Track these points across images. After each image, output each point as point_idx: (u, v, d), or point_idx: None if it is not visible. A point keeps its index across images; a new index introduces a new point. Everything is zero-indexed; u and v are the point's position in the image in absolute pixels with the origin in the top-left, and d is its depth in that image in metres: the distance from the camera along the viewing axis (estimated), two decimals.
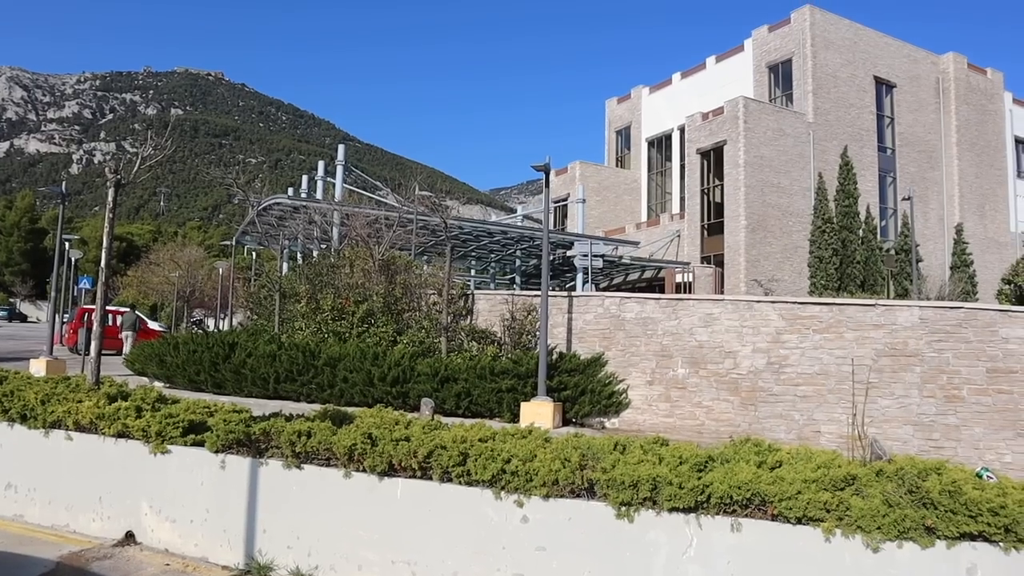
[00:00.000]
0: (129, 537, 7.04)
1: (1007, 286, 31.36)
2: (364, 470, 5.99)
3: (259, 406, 10.88)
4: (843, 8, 37.62)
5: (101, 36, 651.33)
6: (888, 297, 28.99)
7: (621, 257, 35.79)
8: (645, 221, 42.72)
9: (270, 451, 6.48)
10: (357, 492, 6.02)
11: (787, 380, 15.25)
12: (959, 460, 12.20)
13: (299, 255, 34.25)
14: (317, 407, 7.76)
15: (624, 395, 16.37)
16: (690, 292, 32.90)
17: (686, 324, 16.19)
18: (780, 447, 5.68)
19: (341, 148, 35.41)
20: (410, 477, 5.86)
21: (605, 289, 37.20)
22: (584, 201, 39.95)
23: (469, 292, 19.19)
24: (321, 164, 38.03)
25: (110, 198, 9.20)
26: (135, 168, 9.79)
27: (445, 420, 7.63)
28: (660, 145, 45.51)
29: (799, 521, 4.75)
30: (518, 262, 40.03)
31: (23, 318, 79.99)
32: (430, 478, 5.76)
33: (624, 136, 48.46)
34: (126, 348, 26.00)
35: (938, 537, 4.50)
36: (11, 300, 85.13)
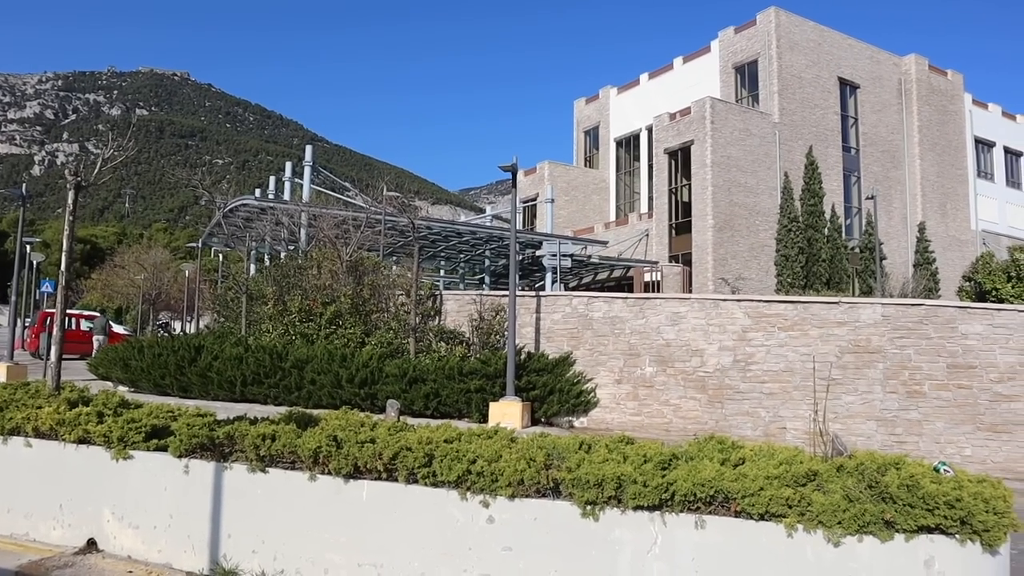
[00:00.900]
0: (91, 545, 6.94)
1: (967, 283, 31.99)
2: (329, 473, 5.95)
3: (225, 409, 10.77)
4: (808, 10, 38.13)
5: (63, 35, 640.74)
6: (853, 295, 29.40)
7: (590, 256, 35.93)
8: (614, 220, 42.92)
9: (234, 455, 6.42)
10: (323, 495, 5.98)
11: (753, 378, 15.42)
12: (921, 454, 12.42)
13: (266, 257, 33.96)
14: (284, 410, 7.70)
15: (592, 394, 16.44)
16: (658, 291, 33.11)
17: (653, 323, 16.30)
18: (743, 444, 5.74)
19: (309, 149, 35.16)
20: (376, 479, 5.83)
21: (574, 289, 37.30)
22: (553, 201, 40.02)
23: (438, 293, 19.17)
24: (289, 165, 37.70)
25: (70, 200, 9.05)
26: (97, 170, 9.65)
27: (414, 421, 7.61)
28: (628, 145, 45.75)
29: (762, 517, 4.79)
30: (487, 262, 40.02)
31: None
32: (396, 480, 5.74)
33: (593, 136, 48.64)
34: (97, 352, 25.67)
35: (897, 531, 4.57)
36: None
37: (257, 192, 42.26)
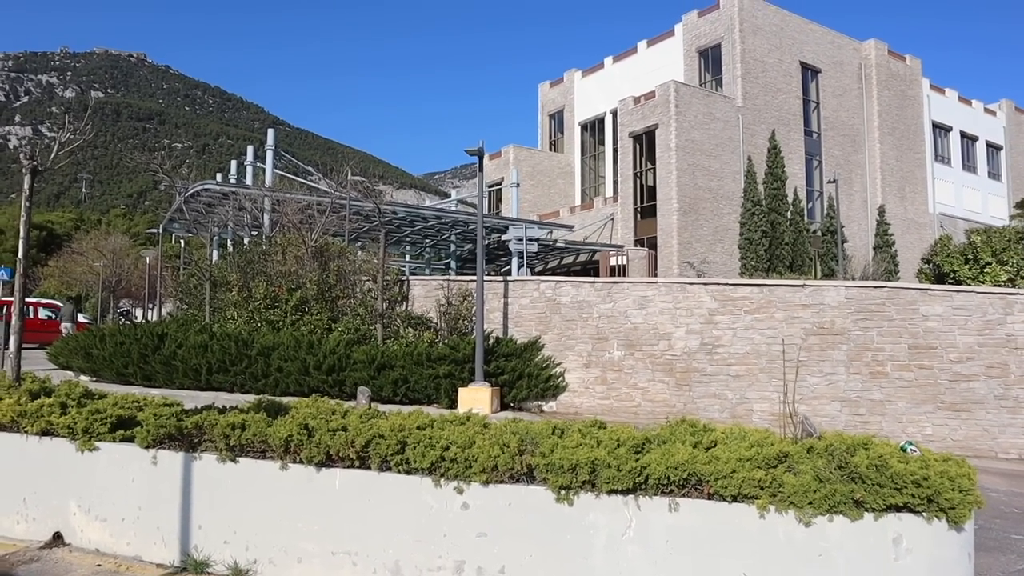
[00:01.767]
0: (57, 538, 6.81)
1: (926, 265, 32.52)
2: (301, 461, 5.90)
3: (191, 398, 10.64)
4: None
5: (12, 15, 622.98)
6: (815, 277, 29.80)
7: (556, 241, 35.99)
8: (579, 205, 42.99)
9: (203, 445, 6.33)
10: (295, 484, 5.93)
11: (720, 360, 15.58)
12: (884, 434, 12.67)
13: (230, 243, 33.50)
14: (251, 398, 7.61)
15: (561, 378, 16.51)
16: (624, 275, 33.28)
17: (621, 307, 16.38)
18: (715, 427, 5.79)
19: (271, 132, 34.67)
20: (348, 467, 5.79)
21: (540, 273, 37.36)
22: (518, 185, 40.00)
23: (404, 278, 19.06)
24: (250, 149, 37.13)
25: (26, 186, 8.83)
26: (54, 154, 9.42)
27: (382, 408, 7.56)
28: (593, 129, 45.78)
29: (735, 499, 4.85)
30: (453, 247, 39.90)
31: None
32: (369, 468, 5.71)
33: (557, 120, 48.59)
34: None
35: (866, 510, 4.65)
36: None
37: (219, 176, 41.64)
